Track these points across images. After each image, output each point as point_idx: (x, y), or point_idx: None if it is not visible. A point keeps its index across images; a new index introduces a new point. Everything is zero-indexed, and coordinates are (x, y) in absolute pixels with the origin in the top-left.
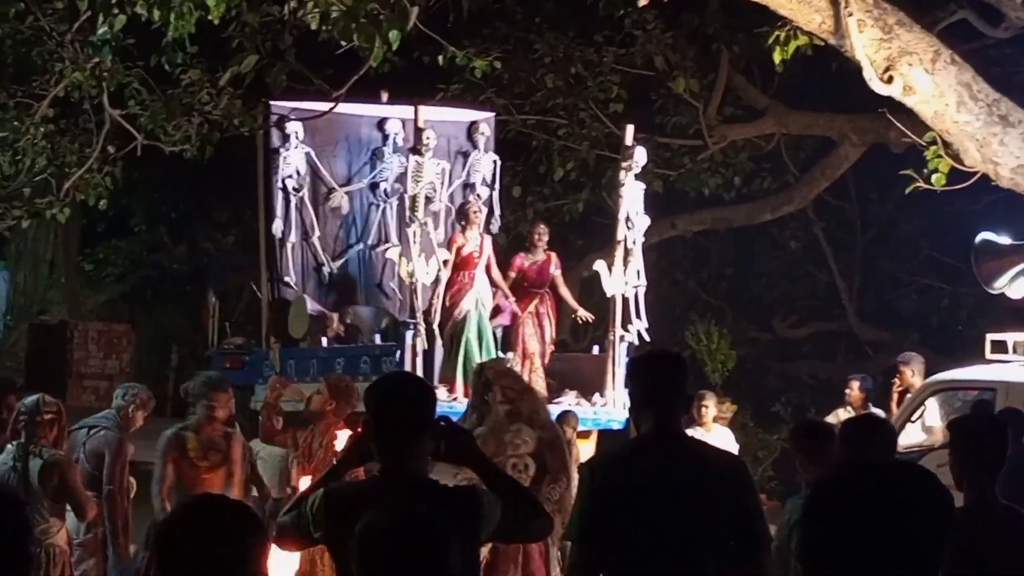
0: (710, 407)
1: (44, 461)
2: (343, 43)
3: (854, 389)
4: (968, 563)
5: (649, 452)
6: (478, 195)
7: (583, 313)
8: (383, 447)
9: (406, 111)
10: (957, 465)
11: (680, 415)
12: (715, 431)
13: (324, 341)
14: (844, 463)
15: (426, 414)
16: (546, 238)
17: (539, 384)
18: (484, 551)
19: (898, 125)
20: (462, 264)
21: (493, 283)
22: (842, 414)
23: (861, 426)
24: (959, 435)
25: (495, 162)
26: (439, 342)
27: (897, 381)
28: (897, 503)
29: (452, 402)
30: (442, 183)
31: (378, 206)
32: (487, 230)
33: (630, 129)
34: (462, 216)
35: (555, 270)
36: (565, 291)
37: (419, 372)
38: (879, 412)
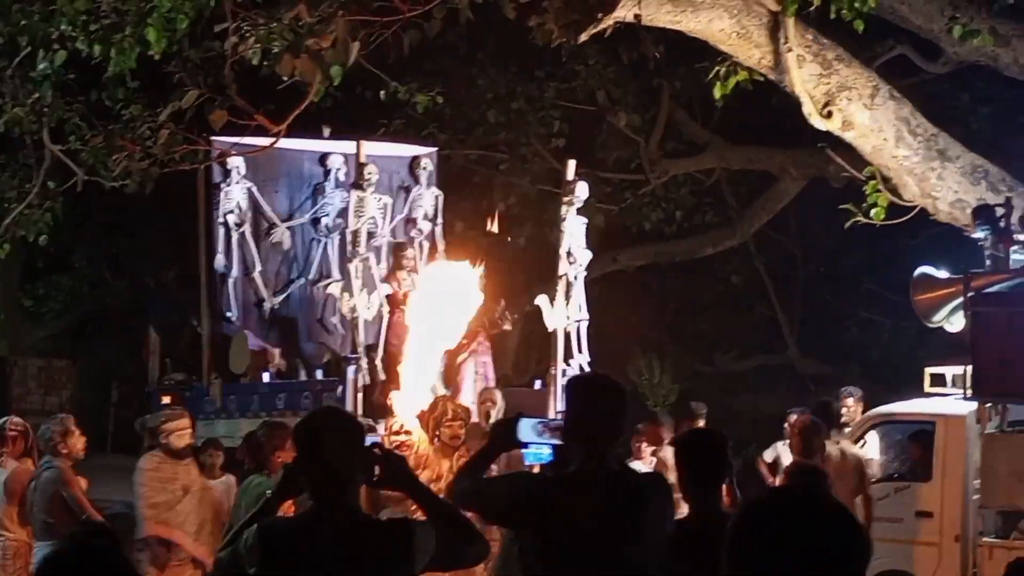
0: None
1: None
2: (285, 78)
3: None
4: (690, 568)
5: (581, 486)
6: (419, 229)
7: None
8: (314, 483)
9: (348, 146)
10: (680, 479)
11: (613, 446)
12: (652, 464)
13: (266, 376)
14: (766, 495)
15: (355, 448)
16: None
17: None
18: None
19: (837, 160)
20: (394, 304)
21: None
22: (780, 447)
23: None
24: (681, 451)
25: (437, 197)
26: (382, 378)
27: (843, 414)
28: (811, 540)
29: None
30: (384, 218)
31: (320, 241)
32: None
33: (571, 164)
34: (396, 258)
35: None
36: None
37: (360, 407)
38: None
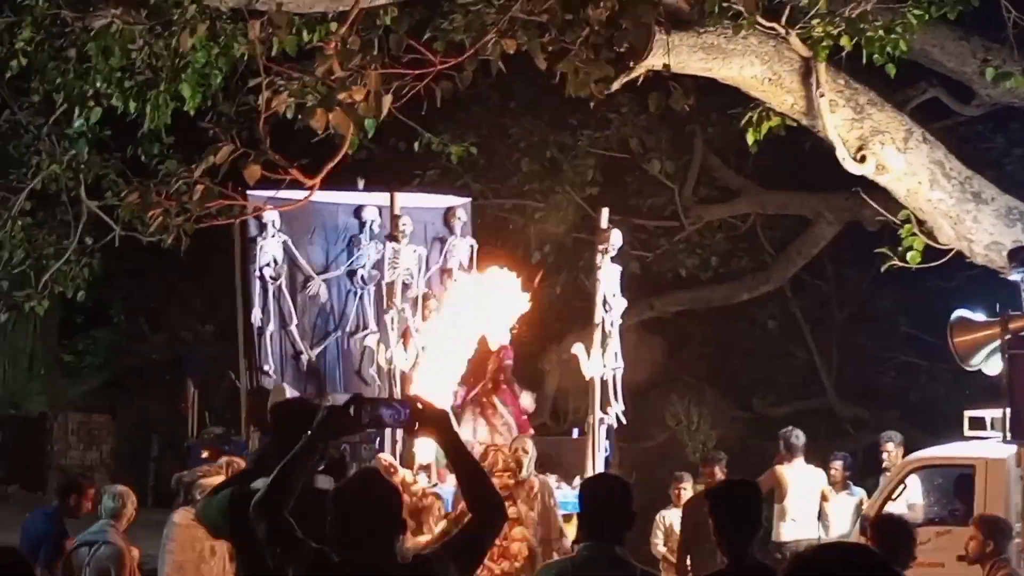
0: (687, 488)
1: None
2: (318, 132)
3: (837, 469)
4: None
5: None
6: (455, 280)
7: (526, 402)
8: (347, 548)
9: (382, 198)
10: (714, 530)
11: (622, 537)
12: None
13: None
14: (815, 549)
15: (391, 516)
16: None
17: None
18: None
19: (872, 204)
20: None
21: None
22: (825, 492)
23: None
24: (715, 502)
25: (472, 247)
26: None
27: (884, 459)
28: None
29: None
30: (419, 269)
31: (356, 293)
32: None
33: (605, 212)
34: (422, 308)
35: (506, 360)
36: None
37: (398, 459)
38: (861, 491)
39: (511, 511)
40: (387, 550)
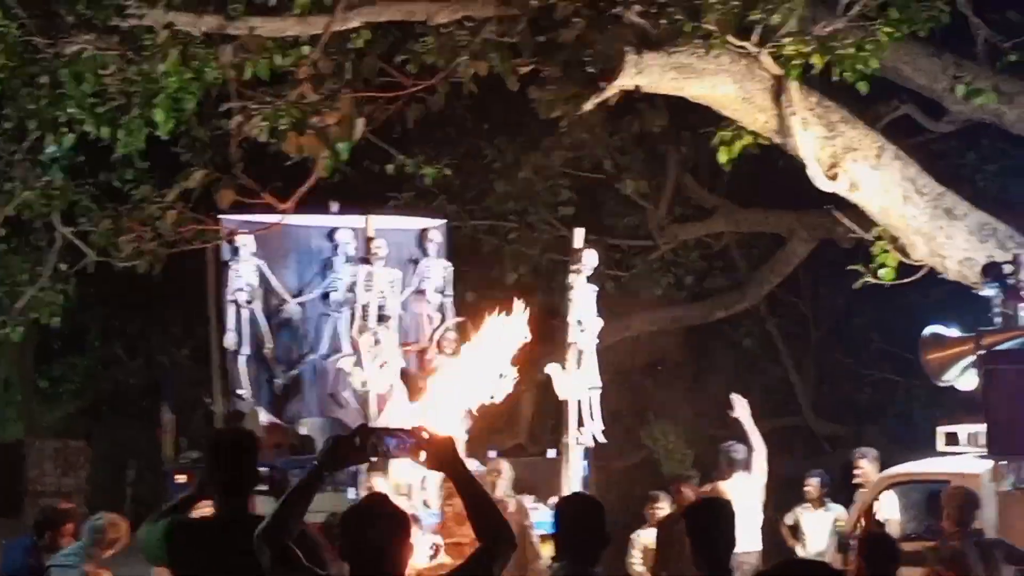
0: (663, 508)
1: None
2: (291, 155)
3: (814, 486)
4: None
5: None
6: (428, 301)
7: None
8: (358, 570)
9: (356, 221)
10: (691, 548)
11: (597, 557)
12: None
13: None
14: (775, 566)
15: (401, 540)
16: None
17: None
18: None
19: (845, 221)
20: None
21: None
22: (799, 511)
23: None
24: (691, 521)
25: (446, 269)
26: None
27: (857, 475)
28: None
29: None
30: (393, 291)
31: (329, 316)
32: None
33: (579, 232)
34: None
35: None
36: None
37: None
38: (838, 508)
39: None
40: (397, 574)
